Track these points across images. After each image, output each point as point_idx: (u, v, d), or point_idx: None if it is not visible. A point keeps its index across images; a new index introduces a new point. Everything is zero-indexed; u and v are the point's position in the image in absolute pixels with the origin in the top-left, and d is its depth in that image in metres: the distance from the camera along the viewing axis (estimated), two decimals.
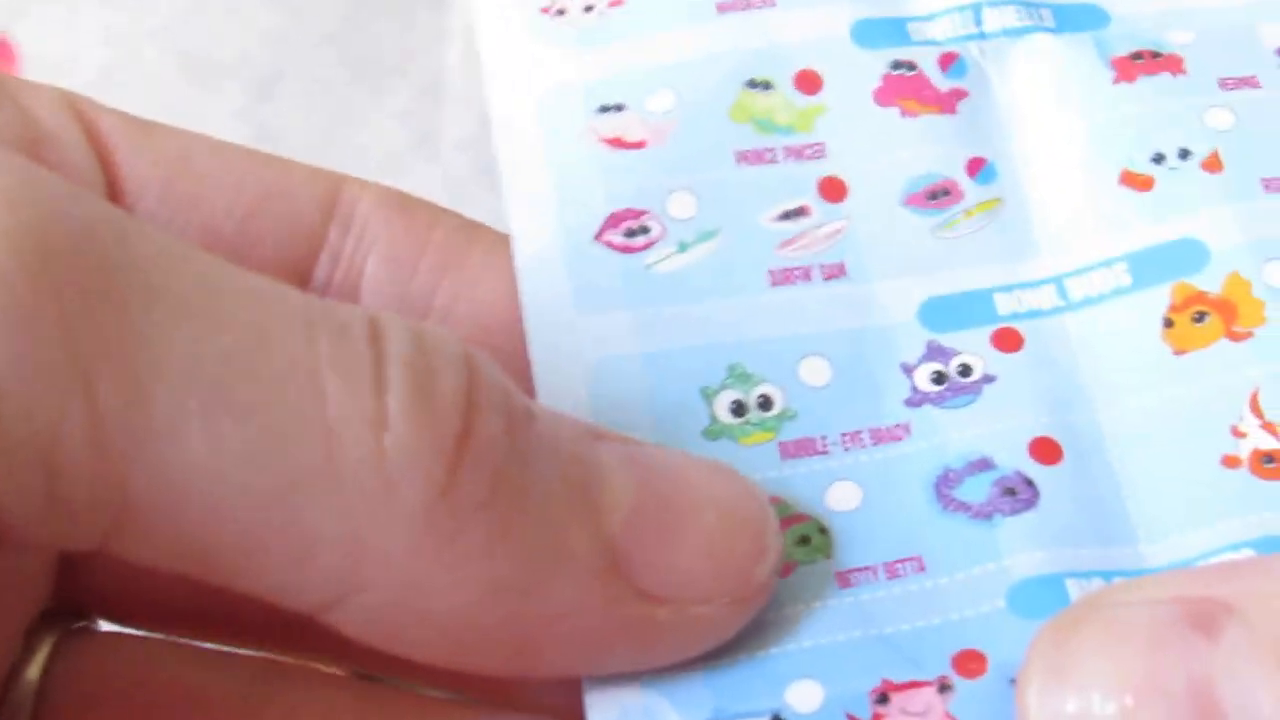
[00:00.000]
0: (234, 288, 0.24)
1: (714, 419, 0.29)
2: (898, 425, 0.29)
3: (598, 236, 0.30)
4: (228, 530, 0.23)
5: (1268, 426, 0.28)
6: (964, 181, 0.31)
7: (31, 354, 0.22)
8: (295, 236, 0.30)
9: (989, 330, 0.30)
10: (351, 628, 0.25)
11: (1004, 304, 0.30)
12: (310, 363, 0.23)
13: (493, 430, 0.24)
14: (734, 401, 0.29)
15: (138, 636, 0.30)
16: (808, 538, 0.28)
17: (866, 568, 0.28)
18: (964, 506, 0.28)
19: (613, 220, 0.30)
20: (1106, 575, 0.27)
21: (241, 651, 0.30)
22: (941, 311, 0.30)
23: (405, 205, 0.31)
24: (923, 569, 0.28)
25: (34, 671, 0.28)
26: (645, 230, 0.30)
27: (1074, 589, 0.27)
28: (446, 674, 0.27)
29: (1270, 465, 0.28)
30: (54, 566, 0.29)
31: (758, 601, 0.27)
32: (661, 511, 0.26)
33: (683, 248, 0.30)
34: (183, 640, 0.30)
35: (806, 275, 0.30)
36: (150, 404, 0.22)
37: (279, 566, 0.24)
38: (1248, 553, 0.27)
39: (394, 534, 0.23)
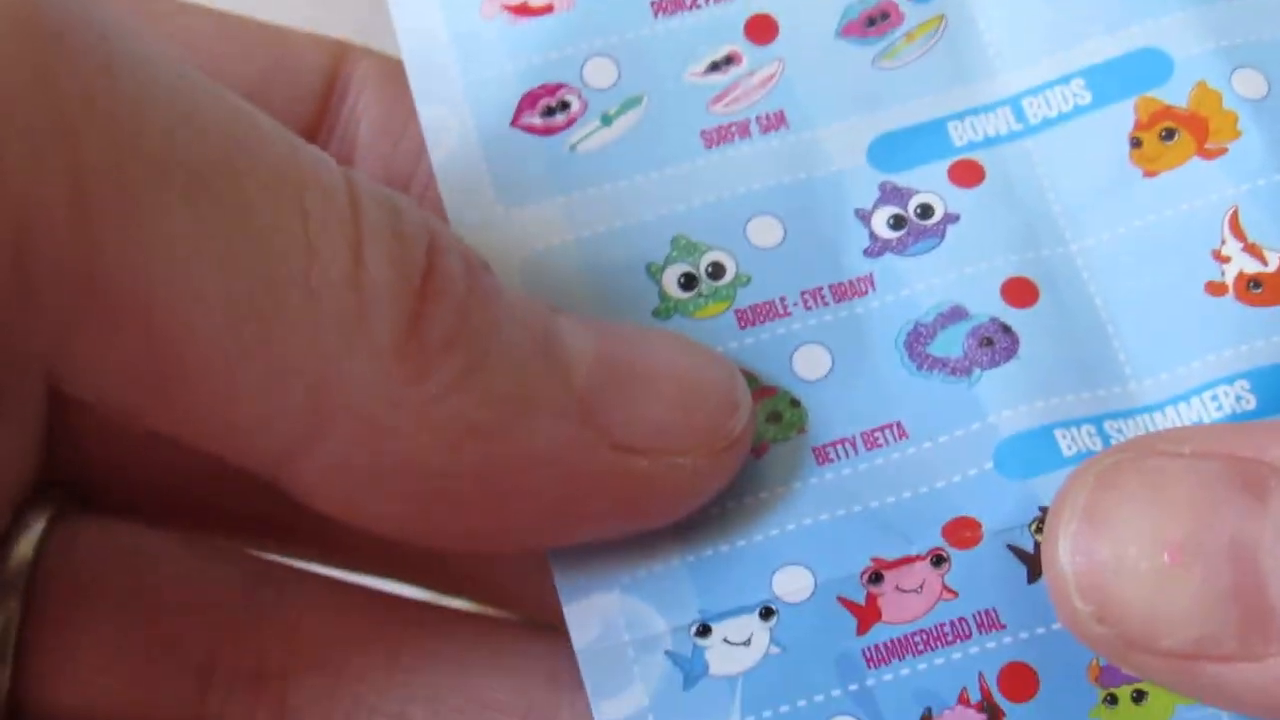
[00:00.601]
0: (220, 93, 0.23)
1: (663, 296, 0.27)
2: (860, 279, 0.27)
3: (514, 121, 0.28)
4: (195, 338, 0.22)
5: (1251, 249, 0.26)
6: (902, 1, 0.29)
7: (11, 97, 0.20)
8: (301, 107, 0.30)
9: (946, 164, 0.28)
10: (317, 484, 0.24)
11: (959, 133, 0.28)
12: (296, 177, 0.23)
13: (454, 269, 0.24)
14: (683, 274, 0.27)
15: (138, 526, 0.29)
16: (779, 413, 0.26)
17: (844, 440, 0.26)
18: (940, 363, 0.26)
19: (528, 100, 0.28)
20: (1098, 420, 0.26)
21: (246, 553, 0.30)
22: (893, 149, 0.28)
23: (400, 76, 0.29)
24: (904, 435, 0.26)
25: (26, 548, 0.28)
26: (565, 106, 0.28)
27: (1064, 441, 0.25)
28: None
29: (1257, 290, 0.26)
30: (42, 432, 0.28)
31: (736, 455, 0.26)
32: (624, 369, 0.25)
33: (606, 120, 0.28)
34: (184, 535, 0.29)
35: (744, 130, 0.28)
36: (134, 171, 0.21)
37: (243, 394, 0.23)
38: (1242, 385, 0.25)
39: (364, 365, 0.23)
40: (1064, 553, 0.23)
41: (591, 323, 0.25)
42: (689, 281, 0.27)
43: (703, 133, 0.28)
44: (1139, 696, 0.25)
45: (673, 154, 0.27)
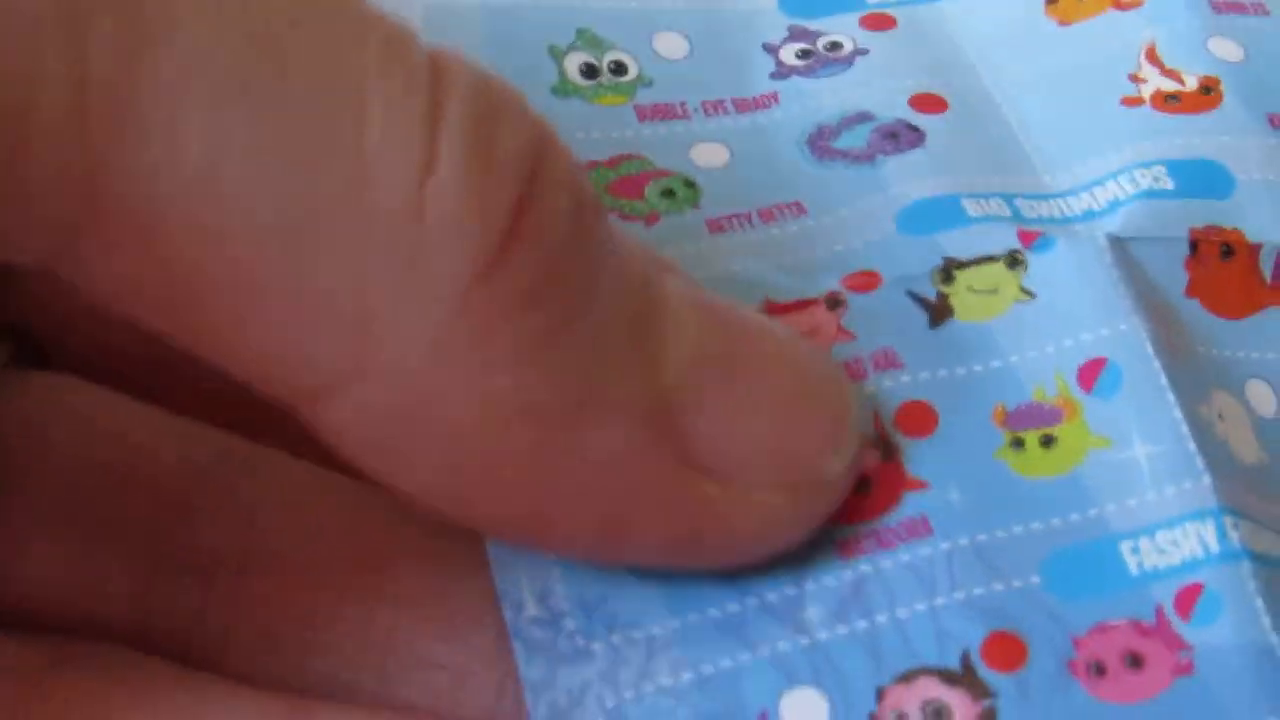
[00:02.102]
0: None
1: (563, 77, 0.26)
2: (763, 95, 0.26)
3: None
4: (211, 256, 0.18)
5: (1169, 73, 0.25)
6: None
7: None
8: None
9: (857, 15, 0.27)
10: (345, 428, 0.20)
11: None
12: (356, 66, 0.18)
13: (559, 208, 0.19)
14: (584, 64, 0.26)
15: (92, 386, 0.24)
16: (672, 190, 0.25)
17: (738, 214, 0.24)
18: (842, 154, 0.25)
19: None
20: (1008, 197, 0.24)
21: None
22: (804, 1, 0.27)
23: None
24: (803, 211, 0.24)
25: None
26: None
27: (971, 206, 0.24)
28: None
29: (1175, 102, 0.25)
30: None
31: (828, 499, 0.22)
32: (727, 366, 0.21)
33: None
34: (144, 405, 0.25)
35: None
36: (148, 76, 0.17)
37: (270, 322, 0.19)
38: (1160, 169, 0.24)
39: (417, 309, 0.18)
40: None
41: (703, 295, 0.21)
42: (590, 71, 0.26)
43: None
44: (1047, 441, 0.22)
45: None
